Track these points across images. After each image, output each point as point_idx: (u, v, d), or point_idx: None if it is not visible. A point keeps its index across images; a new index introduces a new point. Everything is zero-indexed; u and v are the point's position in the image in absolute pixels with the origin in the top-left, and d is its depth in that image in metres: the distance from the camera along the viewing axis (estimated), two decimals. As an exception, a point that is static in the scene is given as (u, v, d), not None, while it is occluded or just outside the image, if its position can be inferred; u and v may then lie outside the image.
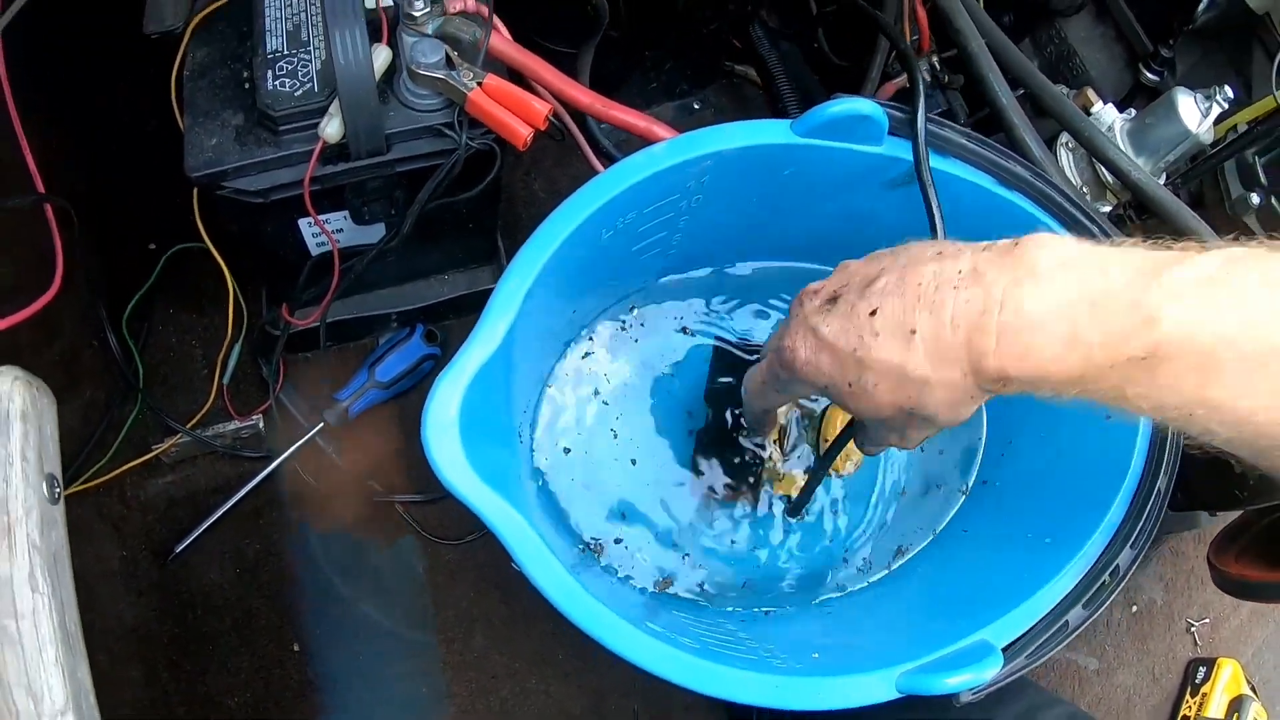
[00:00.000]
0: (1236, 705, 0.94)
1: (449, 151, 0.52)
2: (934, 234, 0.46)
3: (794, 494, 0.57)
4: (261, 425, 0.65)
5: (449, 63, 0.50)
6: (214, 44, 0.51)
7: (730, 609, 0.54)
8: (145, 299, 0.66)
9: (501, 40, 0.52)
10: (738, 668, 0.39)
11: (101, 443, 0.63)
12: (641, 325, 0.59)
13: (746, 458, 0.57)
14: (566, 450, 0.56)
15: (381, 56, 0.50)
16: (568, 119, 0.55)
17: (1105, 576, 0.46)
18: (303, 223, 0.58)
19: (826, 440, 0.57)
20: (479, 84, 0.49)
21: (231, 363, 0.65)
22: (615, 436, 0.57)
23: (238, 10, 0.51)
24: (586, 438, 0.56)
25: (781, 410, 0.57)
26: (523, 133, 0.49)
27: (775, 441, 0.58)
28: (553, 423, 0.56)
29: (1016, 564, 0.50)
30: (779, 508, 0.58)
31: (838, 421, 0.57)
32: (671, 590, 0.54)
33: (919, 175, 0.47)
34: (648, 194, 0.45)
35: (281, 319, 0.60)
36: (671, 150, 0.44)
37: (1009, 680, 0.43)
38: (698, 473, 0.57)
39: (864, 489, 0.60)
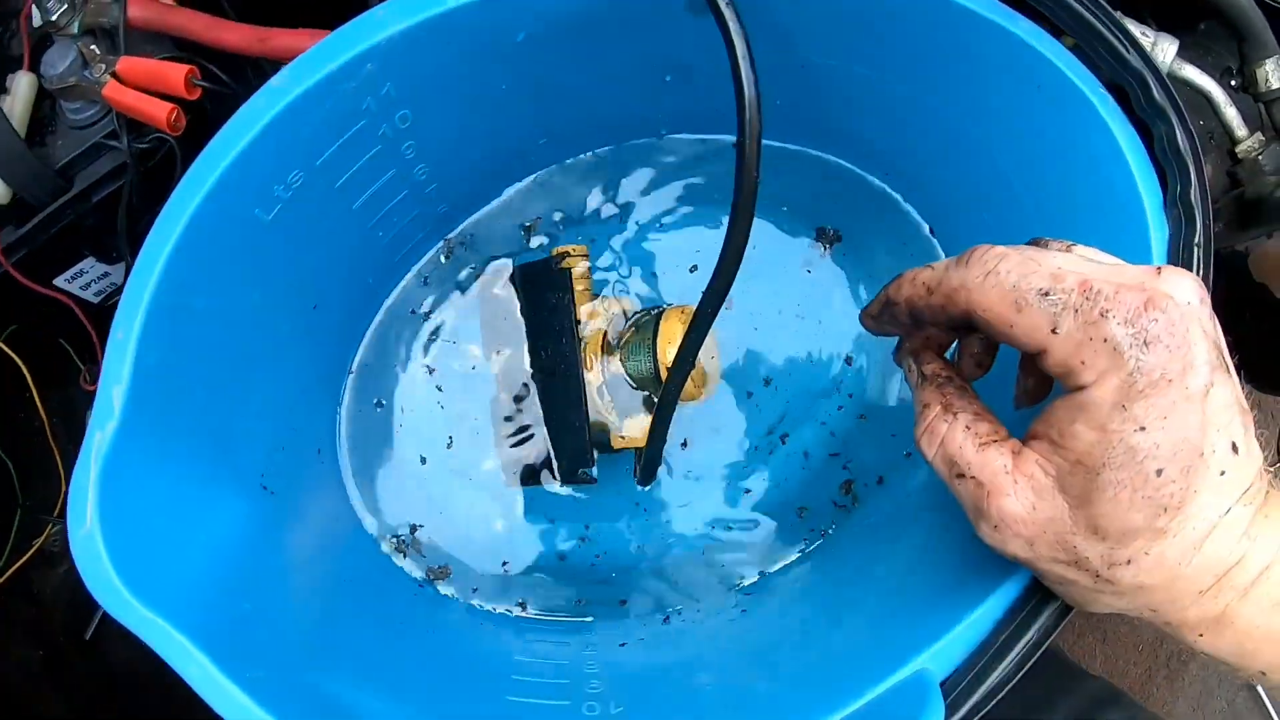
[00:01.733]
0: None
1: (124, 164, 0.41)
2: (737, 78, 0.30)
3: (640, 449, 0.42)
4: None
5: (83, 62, 0.39)
6: None
7: (569, 621, 0.43)
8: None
9: (140, 7, 0.40)
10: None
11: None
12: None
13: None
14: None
15: (23, 86, 0.41)
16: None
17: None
18: (59, 281, 0.50)
19: (667, 367, 0.40)
20: (111, 74, 0.38)
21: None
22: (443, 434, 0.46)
23: None
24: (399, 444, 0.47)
25: (596, 319, 0.44)
26: (161, 113, 0.38)
27: (590, 365, 0.42)
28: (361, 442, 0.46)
29: (939, 564, 0.35)
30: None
31: (677, 335, 0.40)
32: (500, 607, 0.44)
33: None
34: (302, 141, 0.33)
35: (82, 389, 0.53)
36: (294, 75, 0.31)
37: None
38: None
39: (731, 432, 0.47)
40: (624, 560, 0.46)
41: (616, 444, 0.43)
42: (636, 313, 0.45)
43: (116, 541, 0.30)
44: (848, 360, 0.48)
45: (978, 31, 0.35)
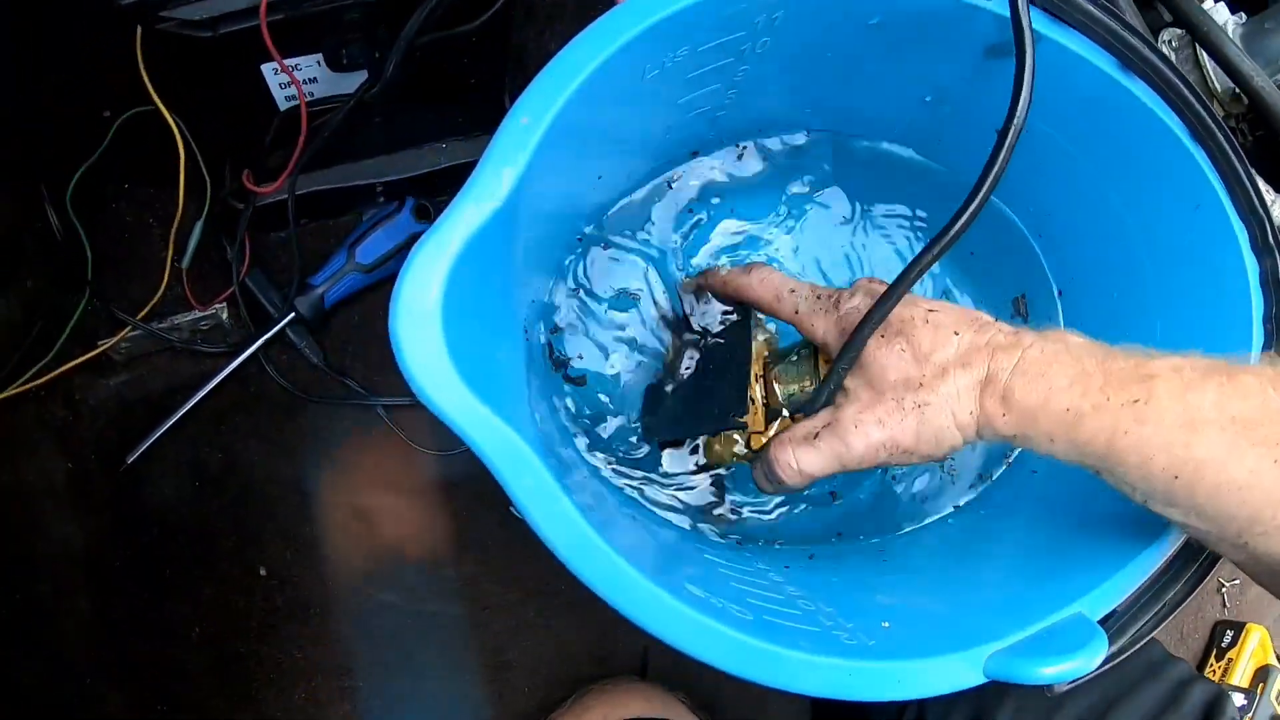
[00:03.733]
0: (1262, 675, 0.87)
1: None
2: (1013, 106, 0.34)
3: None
4: (225, 315, 0.53)
5: None
6: None
7: (774, 547, 0.43)
8: (95, 173, 0.53)
9: None
10: (801, 649, 0.28)
11: (45, 339, 0.52)
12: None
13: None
14: (588, 354, 0.45)
15: None
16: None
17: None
18: (266, 69, 0.45)
19: (826, 363, 0.42)
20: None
21: (191, 244, 0.53)
22: (641, 340, 0.45)
23: None
24: (611, 337, 0.45)
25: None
26: None
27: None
28: (576, 319, 0.45)
29: (1100, 519, 0.40)
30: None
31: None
32: (705, 525, 0.44)
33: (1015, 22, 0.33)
34: (707, 22, 0.33)
35: (244, 188, 0.48)
36: None
37: (1113, 664, 0.34)
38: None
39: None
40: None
41: (756, 443, 0.42)
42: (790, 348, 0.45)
43: (453, 324, 0.27)
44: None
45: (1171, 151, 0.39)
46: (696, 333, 0.47)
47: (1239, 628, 0.88)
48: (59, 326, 0.52)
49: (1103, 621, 0.34)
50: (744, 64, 0.37)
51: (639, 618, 0.27)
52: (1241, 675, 0.87)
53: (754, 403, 0.40)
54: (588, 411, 0.45)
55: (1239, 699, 0.85)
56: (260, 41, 0.40)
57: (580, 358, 0.45)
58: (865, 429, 0.34)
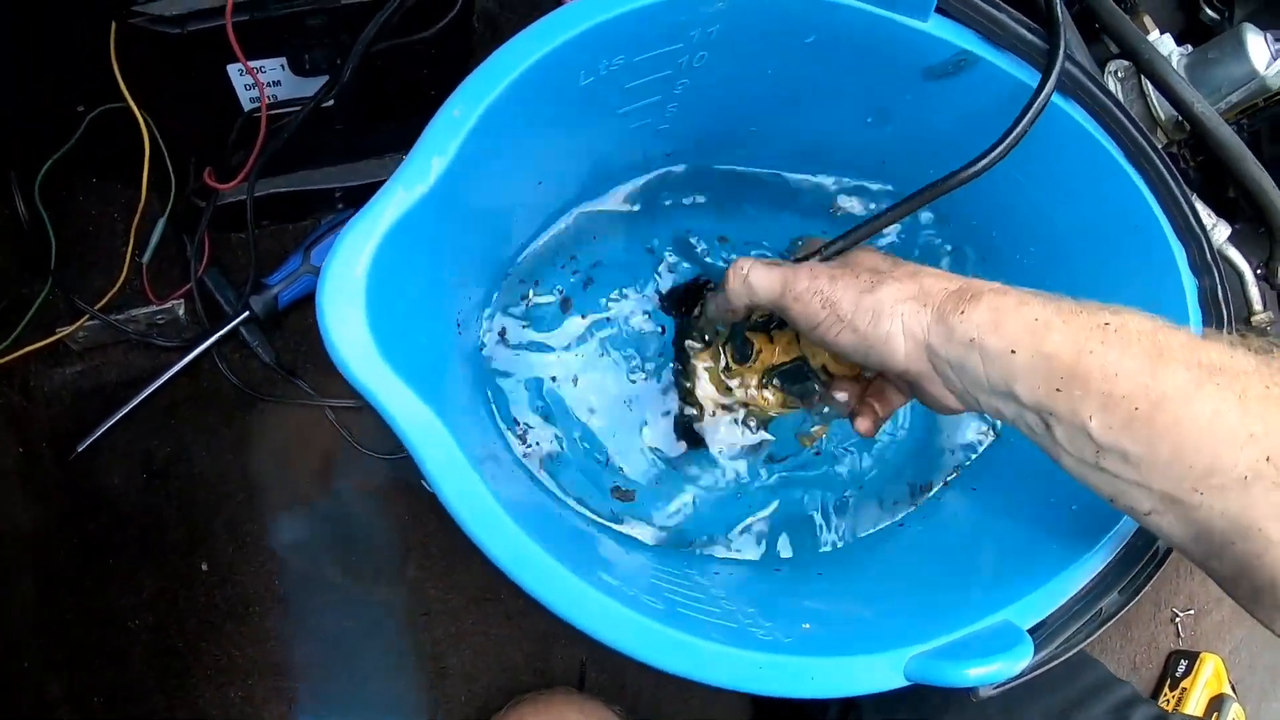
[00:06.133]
0: (1216, 704, 0.86)
1: (393, -16, 0.40)
2: (1052, 58, 0.35)
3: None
4: (181, 311, 0.53)
5: None
6: None
7: (699, 552, 0.43)
8: (64, 165, 0.53)
9: None
10: (713, 640, 0.28)
11: (4, 324, 0.52)
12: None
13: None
14: (521, 347, 0.45)
15: None
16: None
17: (1145, 559, 0.36)
18: (232, 69, 0.46)
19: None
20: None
21: (153, 239, 0.53)
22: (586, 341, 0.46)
23: None
24: (548, 334, 0.46)
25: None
26: None
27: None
28: (517, 317, 0.45)
29: (1036, 531, 0.41)
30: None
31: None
32: (626, 526, 0.43)
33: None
34: (642, 34, 0.33)
35: (204, 185, 0.49)
36: None
37: (1041, 670, 0.34)
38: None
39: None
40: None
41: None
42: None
43: (376, 300, 0.28)
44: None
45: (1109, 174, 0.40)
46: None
47: (1193, 657, 0.87)
48: (19, 313, 0.52)
49: (1033, 631, 0.34)
50: (683, 77, 0.38)
51: (541, 593, 0.27)
52: (1195, 705, 0.86)
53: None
54: (526, 411, 0.45)
55: (1192, 729, 0.85)
56: (227, 42, 0.41)
57: (517, 357, 0.46)
58: (817, 274, 0.34)
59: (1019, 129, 0.35)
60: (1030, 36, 0.38)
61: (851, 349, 0.33)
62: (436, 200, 0.29)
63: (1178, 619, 0.90)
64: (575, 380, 0.46)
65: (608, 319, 0.47)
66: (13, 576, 0.51)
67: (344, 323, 0.27)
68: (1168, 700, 0.87)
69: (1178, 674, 0.88)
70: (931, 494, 0.50)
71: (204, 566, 0.53)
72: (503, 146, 0.33)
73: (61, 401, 0.53)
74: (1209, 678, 0.87)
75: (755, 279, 0.35)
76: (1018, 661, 0.32)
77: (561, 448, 0.45)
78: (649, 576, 0.35)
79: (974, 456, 0.51)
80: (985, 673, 0.31)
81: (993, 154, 0.35)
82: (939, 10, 0.37)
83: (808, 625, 0.34)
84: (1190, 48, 0.56)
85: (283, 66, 0.46)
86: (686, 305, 0.48)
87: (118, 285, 0.53)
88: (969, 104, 0.40)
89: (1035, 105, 0.35)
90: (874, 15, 0.36)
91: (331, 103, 0.48)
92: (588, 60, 0.33)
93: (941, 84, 0.40)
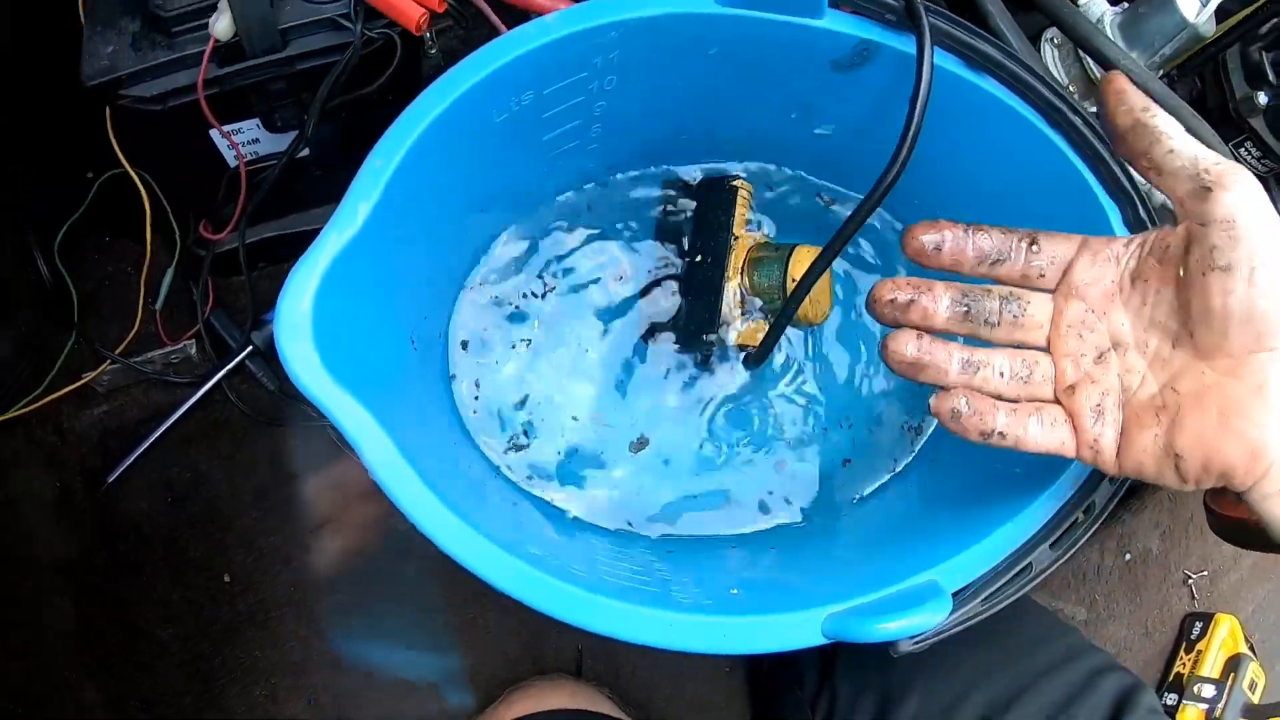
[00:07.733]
0: (1233, 664, 0.84)
1: (348, 45, 0.45)
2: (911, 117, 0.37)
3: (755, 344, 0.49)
4: (193, 350, 0.59)
5: (347, -57, 0.43)
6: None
7: (656, 536, 0.47)
8: (79, 227, 0.60)
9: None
10: (627, 601, 0.32)
11: (37, 372, 0.58)
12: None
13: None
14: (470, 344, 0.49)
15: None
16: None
17: (1079, 514, 0.38)
18: (214, 134, 0.51)
19: (794, 280, 0.47)
20: (377, -38, 0.42)
21: (164, 288, 0.59)
22: (530, 343, 0.50)
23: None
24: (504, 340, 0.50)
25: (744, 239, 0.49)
26: (414, 14, 0.42)
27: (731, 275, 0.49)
28: (472, 330, 0.49)
29: (979, 498, 0.43)
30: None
31: (806, 260, 0.46)
32: (569, 502, 0.47)
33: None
34: (545, 71, 0.37)
35: (203, 237, 0.54)
36: (566, 19, 0.36)
37: (966, 624, 0.35)
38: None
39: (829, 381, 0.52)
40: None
41: (732, 338, 0.49)
42: (772, 241, 0.51)
43: (322, 327, 0.32)
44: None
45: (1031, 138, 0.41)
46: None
47: (1208, 619, 0.86)
48: (49, 362, 0.59)
49: (963, 590, 0.35)
50: (599, 100, 0.42)
51: (454, 550, 0.31)
52: (1211, 666, 0.85)
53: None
54: (496, 415, 0.49)
55: (1208, 690, 0.84)
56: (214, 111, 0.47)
57: (480, 364, 0.50)
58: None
59: (911, 133, 0.37)
60: (932, 19, 0.37)
61: (1213, 310, 0.30)
62: (367, 240, 0.33)
63: (1190, 581, 0.89)
64: (540, 374, 0.50)
65: (574, 314, 0.50)
66: (52, 596, 0.58)
67: (295, 345, 0.31)
68: (1184, 663, 0.86)
69: (1193, 636, 0.87)
70: (898, 470, 0.52)
71: (226, 578, 0.58)
72: (430, 184, 0.37)
73: (90, 439, 0.59)
74: (1225, 638, 0.85)
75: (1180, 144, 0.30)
76: (934, 615, 0.33)
77: (526, 442, 0.49)
78: (593, 557, 0.39)
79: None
80: (897, 627, 0.33)
81: (891, 174, 0.37)
82: (833, 5, 0.38)
83: (736, 591, 0.37)
84: (1126, 5, 0.55)
85: (258, 125, 0.51)
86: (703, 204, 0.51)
87: (134, 331, 0.59)
88: (885, 89, 0.42)
89: (919, 101, 0.37)
90: (768, 21, 0.38)
91: (307, 152, 0.54)
92: (497, 100, 0.37)
93: (852, 74, 0.42)
